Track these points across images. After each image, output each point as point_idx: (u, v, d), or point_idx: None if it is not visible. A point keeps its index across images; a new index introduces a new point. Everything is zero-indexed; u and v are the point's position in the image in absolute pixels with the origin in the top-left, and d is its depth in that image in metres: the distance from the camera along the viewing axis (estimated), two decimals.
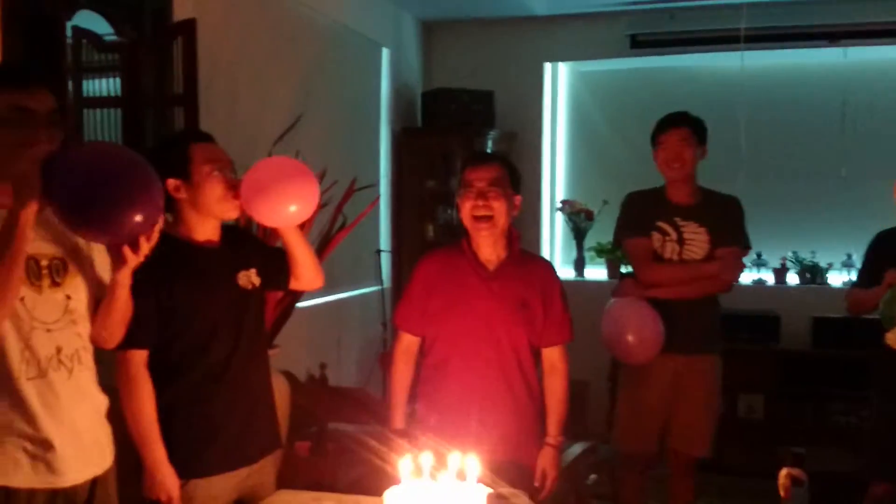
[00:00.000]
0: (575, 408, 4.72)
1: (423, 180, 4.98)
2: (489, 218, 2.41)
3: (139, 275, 1.81)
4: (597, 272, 5.25)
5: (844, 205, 4.74)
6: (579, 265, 5.29)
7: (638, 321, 3.03)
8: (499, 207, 2.41)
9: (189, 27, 3.02)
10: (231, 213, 2.11)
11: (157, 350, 2.01)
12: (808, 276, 4.85)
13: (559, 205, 5.34)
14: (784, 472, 1.72)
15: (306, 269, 2.26)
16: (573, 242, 5.32)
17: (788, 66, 5.02)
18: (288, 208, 2.05)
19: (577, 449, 3.54)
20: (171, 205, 2.07)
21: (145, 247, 1.72)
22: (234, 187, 2.07)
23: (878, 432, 2.93)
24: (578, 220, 5.23)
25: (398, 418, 2.50)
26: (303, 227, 2.37)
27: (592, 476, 3.72)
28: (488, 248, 2.47)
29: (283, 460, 2.48)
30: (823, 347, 4.49)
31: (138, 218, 1.65)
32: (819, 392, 4.49)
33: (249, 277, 2.16)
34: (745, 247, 3.16)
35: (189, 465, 2.04)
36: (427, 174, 4.99)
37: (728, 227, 3.11)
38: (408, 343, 2.53)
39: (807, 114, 4.92)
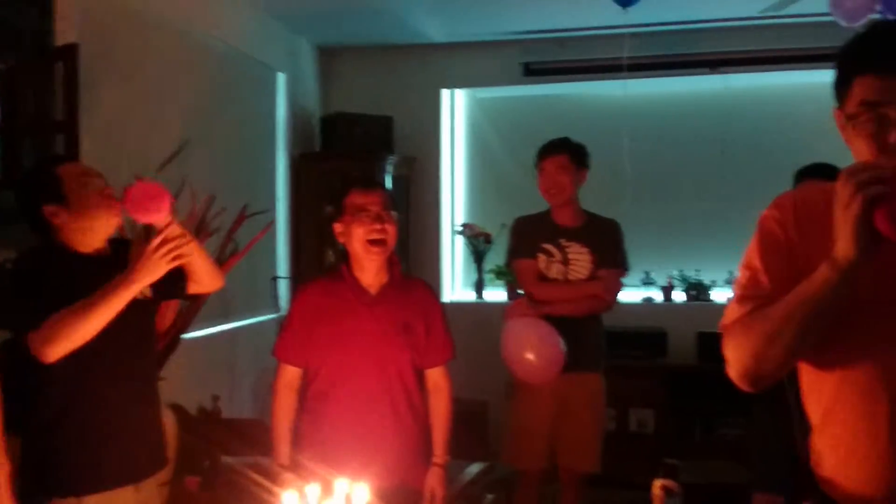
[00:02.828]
0: (474, 428, 4.82)
1: (322, 205, 4.95)
2: (384, 242, 2.44)
3: (28, 287, 1.82)
4: (496, 294, 5.34)
5: (726, 225, 4.94)
6: (479, 287, 5.38)
7: (540, 341, 3.10)
8: (392, 231, 2.45)
9: (71, 52, 2.94)
10: (112, 219, 2.12)
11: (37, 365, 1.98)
12: (693, 293, 5.04)
13: (459, 228, 5.42)
14: (657, 483, 1.78)
15: (203, 271, 2.24)
16: (473, 265, 5.39)
17: (671, 93, 5.26)
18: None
19: (474, 469, 3.58)
20: (52, 230, 2.07)
21: None
22: (109, 196, 2.09)
23: (757, 444, 3.06)
24: (478, 243, 5.31)
25: (283, 453, 2.48)
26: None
27: (489, 496, 3.76)
28: (374, 272, 2.49)
29: (172, 496, 2.43)
30: (708, 362, 4.63)
31: None
32: (705, 405, 4.64)
33: None
34: (625, 268, 3.29)
35: (71, 481, 2.01)
36: (326, 199, 4.96)
37: (609, 248, 3.25)
38: (291, 375, 2.51)
39: (689, 138, 5.15)
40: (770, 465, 2.88)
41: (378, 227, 2.42)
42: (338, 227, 2.49)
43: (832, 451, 1.46)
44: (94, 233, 2.11)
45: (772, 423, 2.91)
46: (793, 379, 1.53)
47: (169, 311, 2.87)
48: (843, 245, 1.25)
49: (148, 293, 2.16)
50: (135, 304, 2.11)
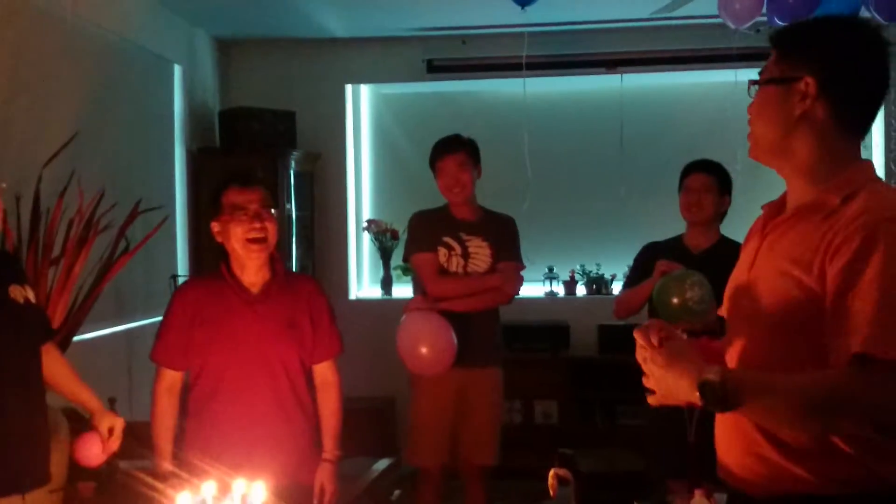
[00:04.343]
0: (382, 423, 4.82)
1: None
2: (264, 240, 2.39)
3: None
4: (404, 290, 5.33)
5: (623, 220, 5.11)
6: (387, 284, 5.36)
7: (431, 333, 3.12)
8: (272, 229, 2.41)
9: None
10: None
11: None
12: (594, 287, 5.17)
13: (365, 224, 5.39)
14: (552, 472, 1.83)
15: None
16: (380, 262, 5.37)
17: (569, 91, 5.39)
18: None
19: (381, 465, 3.57)
20: None
21: None
22: None
23: (653, 433, 3.15)
24: (384, 239, 5.29)
25: (166, 457, 2.42)
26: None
27: (396, 491, 3.76)
28: (255, 270, 2.44)
29: (66, 502, 2.35)
30: (608, 353, 4.77)
31: None
32: (607, 396, 4.77)
33: (23, 291, 2.05)
34: (523, 263, 3.35)
35: None
36: None
37: (507, 243, 3.30)
38: (171, 380, 2.46)
39: (587, 137, 5.28)
40: (675, 452, 2.94)
41: (257, 225, 2.37)
42: (215, 227, 2.43)
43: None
44: None
45: (660, 411, 3.01)
46: None
47: (57, 314, 2.75)
48: None
49: (32, 297, 2.08)
50: (19, 308, 2.01)
